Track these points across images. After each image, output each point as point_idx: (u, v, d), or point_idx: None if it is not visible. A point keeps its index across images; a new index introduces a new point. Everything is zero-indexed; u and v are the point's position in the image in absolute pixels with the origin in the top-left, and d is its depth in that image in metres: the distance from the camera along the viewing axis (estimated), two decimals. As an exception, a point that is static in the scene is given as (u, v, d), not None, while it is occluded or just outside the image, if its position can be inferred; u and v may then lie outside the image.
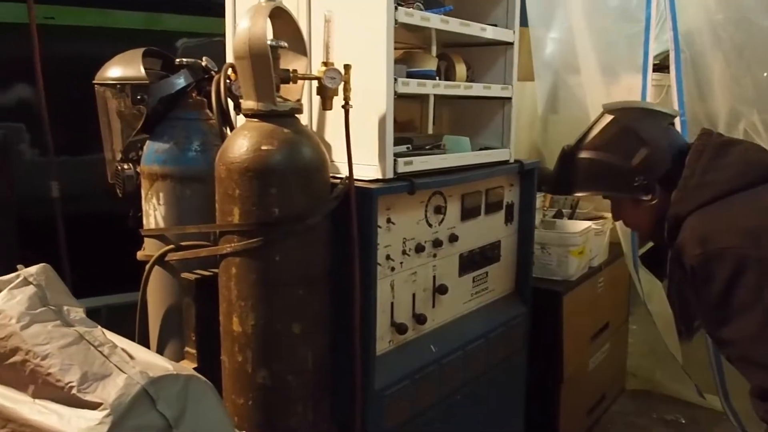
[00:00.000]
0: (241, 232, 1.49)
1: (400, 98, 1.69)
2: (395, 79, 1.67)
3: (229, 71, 1.68)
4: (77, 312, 1.28)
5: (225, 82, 1.68)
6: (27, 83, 2.72)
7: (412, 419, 1.83)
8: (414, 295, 1.85)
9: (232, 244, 1.50)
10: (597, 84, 2.70)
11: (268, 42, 1.46)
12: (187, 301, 1.68)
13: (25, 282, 1.27)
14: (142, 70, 1.76)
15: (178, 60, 1.81)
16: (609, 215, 2.81)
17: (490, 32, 2.01)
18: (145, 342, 1.80)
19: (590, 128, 1.85)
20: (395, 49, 1.67)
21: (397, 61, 1.69)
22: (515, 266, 2.29)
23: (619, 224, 2.75)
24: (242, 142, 1.48)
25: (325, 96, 1.58)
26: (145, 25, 3.04)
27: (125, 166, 1.83)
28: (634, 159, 1.72)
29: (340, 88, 1.57)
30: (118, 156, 1.83)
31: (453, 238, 1.94)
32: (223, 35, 2.00)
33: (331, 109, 1.60)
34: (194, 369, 1.46)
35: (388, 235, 1.72)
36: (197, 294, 1.66)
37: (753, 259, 1.45)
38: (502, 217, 2.18)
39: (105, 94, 1.80)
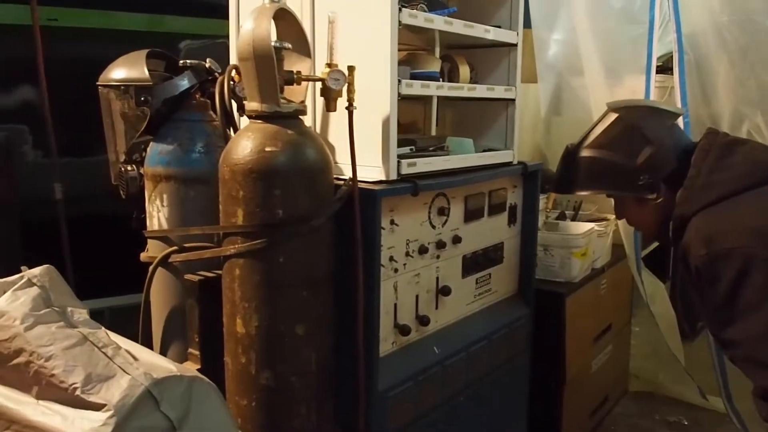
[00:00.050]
0: (245, 233, 1.49)
1: (403, 100, 1.69)
2: (399, 81, 1.67)
3: (233, 73, 1.68)
4: (81, 313, 1.28)
5: (229, 84, 1.68)
6: (30, 85, 2.73)
7: (416, 421, 1.83)
8: (417, 296, 1.85)
9: (236, 246, 1.50)
10: (600, 86, 2.69)
11: (272, 43, 1.46)
12: (190, 302, 1.68)
13: (29, 283, 1.27)
14: (146, 72, 1.76)
15: (181, 61, 1.82)
16: (612, 217, 2.83)
17: (493, 34, 2.01)
18: (148, 343, 1.80)
19: (594, 127, 1.84)
20: (399, 50, 1.67)
21: (400, 63, 1.69)
22: (518, 268, 2.28)
23: (621, 225, 2.76)
24: (246, 143, 1.48)
25: (329, 97, 1.58)
26: (148, 26, 3.05)
27: (129, 168, 1.82)
28: (639, 158, 1.71)
29: (344, 89, 1.57)
30: (122, 157, 1.83)
31: (456, 240, 1.94)
32: (226, 37, 2.00)
33: (334, 110, 1.59)
34: (197, 370, 1.46)
35: (391, 236, 1.72)
36: (201, 295, 1.66)
37: (759, 259, 1.45)
38: (505, 218, 2.18)
39: (109, 96, 1.81)
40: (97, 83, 1.83)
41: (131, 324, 1.80)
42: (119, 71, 1.79)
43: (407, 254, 1.79)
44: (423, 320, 1.85)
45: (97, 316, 1.33)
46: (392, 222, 1.72)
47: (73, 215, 2.73)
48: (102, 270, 2.56)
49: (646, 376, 3.29)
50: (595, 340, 2.84)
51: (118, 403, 1.11)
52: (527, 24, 2.51)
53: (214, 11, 2.64)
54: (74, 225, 2.72)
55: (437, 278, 1.91)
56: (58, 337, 1.20)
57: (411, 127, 2.18)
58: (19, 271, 1.30)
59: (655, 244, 3.10)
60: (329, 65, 1.56)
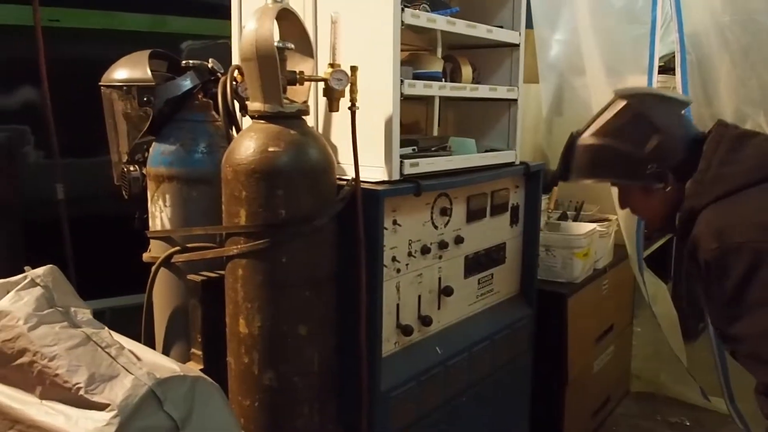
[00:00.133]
0: (248, 233, 1.49)
1: (405, 100, 1.69)
2: (401, 81, 1.67)
3: (236, 73, 1.69)
4: (84, 313, 1.28)
5: (231, 84, 1.68)
6: (32, 85, 2.73)
7: (418, 421, 1.83)
8: (419, 296, 1.85)
9: (239, 246, 1.50)
10: (602, 86, 2.69)
11: (275, 43, 1.46)
12: (193, 302, 1.68)
13: (33, 283, 1.28)
14: (149, 72, 1.76)
15: (184, 62, 1.82)
16: (614, 217, 2.83)
17: (496, 34, 2.01)
18: (150, 344, 1.80)
19: (601, 114, 1.79)
20: (401, 50, 1.67)
21: (403, 63, 1.69)
22: (520, 268, 2.28)
23: (623, 226, 2.75)
24: (249, 143, 1.48)
25: (332, 97, 1.58)
26: (150, 27, 3.05)
27: (131, 168, 1.83)
28: (647, 146, 1.67)
29: (347, 89, 1.57)
30: (125, 158, 1.83)
31: (458, 240, 1.94)
32: (228, 37, 2.00)
33: (337, 110, 1.60)
34: (200, 370, 1.46)
35: (394, 236, 1.72)
36: (203, 296, 1.66)
37: None
38: (508, 219, 2.18)
39: (111, 96, 1.81)
40: (100, 84, 1.83)
41: (133, 324, 1.80)
42: (122, 72, 1.79)
43: (410, 254, 1.79)
44: (425, 320, 1.85)
45: (98, 316, 1.33)
46: (395, 222, 1.72)
47: (75, 215, 2.73)
48: (104, 270, 2.56)
49: (648, 377, 3.29)
50: (596, 341, 2.84)
51: (121, 403, 1.11)
52: (529, 24, 2.51)
53: (215, 12, 2.65)
54: (76, 225, 2.72)
55: (439, 278, 1.91)
56: (61, 337, 1.21)
57: (413, 127, 2.18)
58: (23, 271, 1.31)
59: (657, 245, 3.12)
60: (332, 65, 1.56)
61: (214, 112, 1.81)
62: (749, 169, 1.58)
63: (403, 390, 1.76)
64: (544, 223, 2.62)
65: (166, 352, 1.82)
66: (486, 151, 2.07)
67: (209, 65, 1.82)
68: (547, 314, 2.40)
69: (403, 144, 1.74)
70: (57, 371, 1.17)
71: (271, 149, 1.46)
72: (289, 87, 1.56)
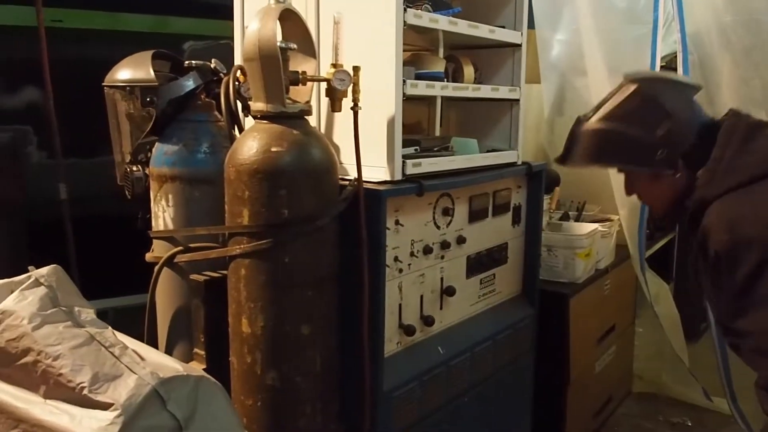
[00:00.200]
0: (251, 233, 1.49)
1: (408, 100, 1.70)
2: (404, 81, 1.67)
3: (238, 73, 1.69)
4: (88, 313, 1.29)
5: (234, 84, 1.69)
6: (35, 86, 2.74)
7: (420, 421, 1.83)
8: (422, 296, 1.85)
9: (242, 246, 1.51)
10: (604, 86, 2.68)
11: (278, 44, 1.46)
12: (196, 302, 1.68)
13: (37, 283, 1.28)
14: (152, 73, 1.76)
15: (187, 62, 1.82)
16: (616, 217, 2.83)
17: (498, 34, 2.01)
18: (153, 344, 1.80)
19: (610, 97, 1.74)
20: (403, 50, 1.67)
21: (405, 63, 1.69)
22: (522, 268, 2.28)
23: (625, 226, 2.76)
24: (251, 143, 1.49)
25: (334, 98, 1.58)
26: (153, 28, 3.05)
27: (134, 168, 1.83)
28: (658, 131, 1.61)
29: (349, 89, 1.57)
30: (127, 158, 1.84)
31: (460, 240, 1.94)
32: (230, 38, 2.01)
33: (340, 110, 1.60)
34: (203, 370, 1.46)
35: (396, 236, 1.72)
36: (206, 295, 1.66)
37: None
38: (510, 219, 2.18)
39: (114, 96, 1.81)
40: (103, 84, 1.83)
41: (136, 324, 1.81)
42: (125, 72, 1.80)
43: (412, 254, 1.79)
44: (428, 320, 1.85)
45: (101, 316, 1.33)
46: (397, 222, 1.72)
47: (78, 216, 2.73)
48: (107, 270, 2.57)
49: (650, 377, 3.29)
50: (598, 341, 2.83)
51: (125, 403, 1.12)
52: (530, 24, 2.51)
53: (218, 12, 2.65)
54: (79, 225, 2.73)
55: (442, 278, 1.91)
56: (65, 336, 1.21)
57: (415, 127, 2.18)
58: (26, 271, 1.31)
59: (659, 245, 3.12)
60: (334, 65, 1.56)
61: (216, 113, 1.81)
62: (762, 160, 1.54)
63: (405, 390, 1.76)
64: (545, 223, 2.62)
65: (169, 351, 1.82)
66: (488, 151, 2.08)
67: (212, 65, 1.83)
68: (548, 314, 2.40)
69: (406, 144, 1.74)
70: (61, 370, 1.17)
71: (273, 149, 1.47)
72: (291, 87, 1.56)
